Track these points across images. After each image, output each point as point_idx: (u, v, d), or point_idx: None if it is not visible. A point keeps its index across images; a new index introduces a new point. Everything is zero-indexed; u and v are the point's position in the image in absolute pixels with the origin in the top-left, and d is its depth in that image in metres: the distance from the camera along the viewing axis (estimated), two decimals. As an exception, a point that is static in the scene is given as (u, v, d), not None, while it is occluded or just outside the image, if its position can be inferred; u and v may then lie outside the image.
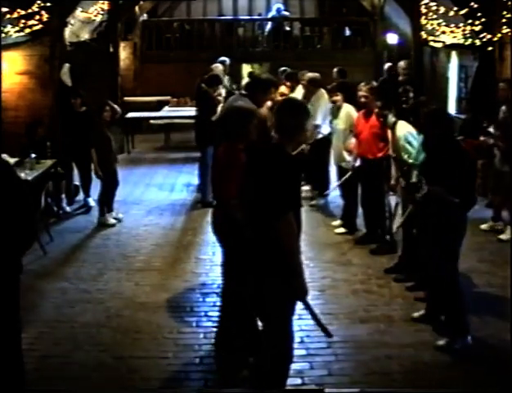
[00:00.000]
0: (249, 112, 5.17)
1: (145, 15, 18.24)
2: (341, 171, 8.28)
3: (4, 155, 8.01)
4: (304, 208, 8.78)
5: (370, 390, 4.68)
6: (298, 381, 4.65)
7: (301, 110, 4.26)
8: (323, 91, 9.38)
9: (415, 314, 5.65)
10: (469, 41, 11.03)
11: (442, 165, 5.10)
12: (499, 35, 10.29)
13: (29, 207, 4.28)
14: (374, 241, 7.55)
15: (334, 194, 9.30)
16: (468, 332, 5.21)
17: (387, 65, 13.55)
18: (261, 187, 4.05)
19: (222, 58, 12.15)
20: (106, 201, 8.67)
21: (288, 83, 9.97)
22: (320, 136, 9.12)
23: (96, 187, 9.29)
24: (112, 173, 8.75)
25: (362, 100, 7.44)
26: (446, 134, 5.20)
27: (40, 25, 10.36)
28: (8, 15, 9.82)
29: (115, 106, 9.08)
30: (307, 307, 4.15)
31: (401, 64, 11.52)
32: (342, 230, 8.17)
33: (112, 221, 8.59)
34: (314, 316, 4.18)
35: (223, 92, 9.42)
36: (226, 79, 11.02)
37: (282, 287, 4.04)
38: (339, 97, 8.20)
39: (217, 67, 11.26)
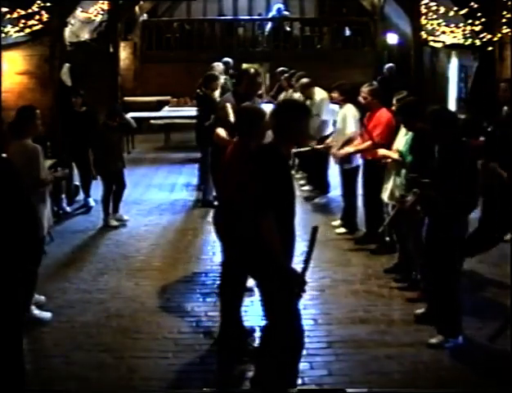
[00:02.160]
0: (260, 111, 5.16)
1: (145, 15, 18.25)
2: (343, 171, 8.29)
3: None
4: (304, 208, 8.95)
5: (380, 391, 4.67)
6: (299, 381, 4.62)
7: (301, 112, 4.18)
8: (317, 88, 9.66)
9: (418, 311, 5.64)
10: (469, 41, 11.05)
11: (443, 167, 5.04)
12: (499, 35, 10.31)
13: (31, 207, 4.28)
14: (374, 241, 7.54)
15: (335, 194, 9.30)
16: (460, 332, 5.21)
17: (387, 65, 13.57)
18: (248, 185, 4.04)
19: (226, 59, 12.15)
20: (107, 202, 8.65)
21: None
22: (327, 132, 9.25)
23: (96, 187, 9.29)
24: (112, 174, 8.70)
25: (363, 101, 7.46)
26: (450, 135, 5.09)
27: (40, 25, 10.38)
28: (8, 15, 9.84)
29: (129, 119, 9.10)
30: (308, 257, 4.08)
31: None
32: (342, 230, 8.16)
33: (114, 223, 8.57)
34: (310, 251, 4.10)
35: (217, 93, 9.45)
36: (223, 79, 11.02)
37: (281, 285, 4.01)
38: (335, 95, 8.26)
39: (219, 65, 11.27)
